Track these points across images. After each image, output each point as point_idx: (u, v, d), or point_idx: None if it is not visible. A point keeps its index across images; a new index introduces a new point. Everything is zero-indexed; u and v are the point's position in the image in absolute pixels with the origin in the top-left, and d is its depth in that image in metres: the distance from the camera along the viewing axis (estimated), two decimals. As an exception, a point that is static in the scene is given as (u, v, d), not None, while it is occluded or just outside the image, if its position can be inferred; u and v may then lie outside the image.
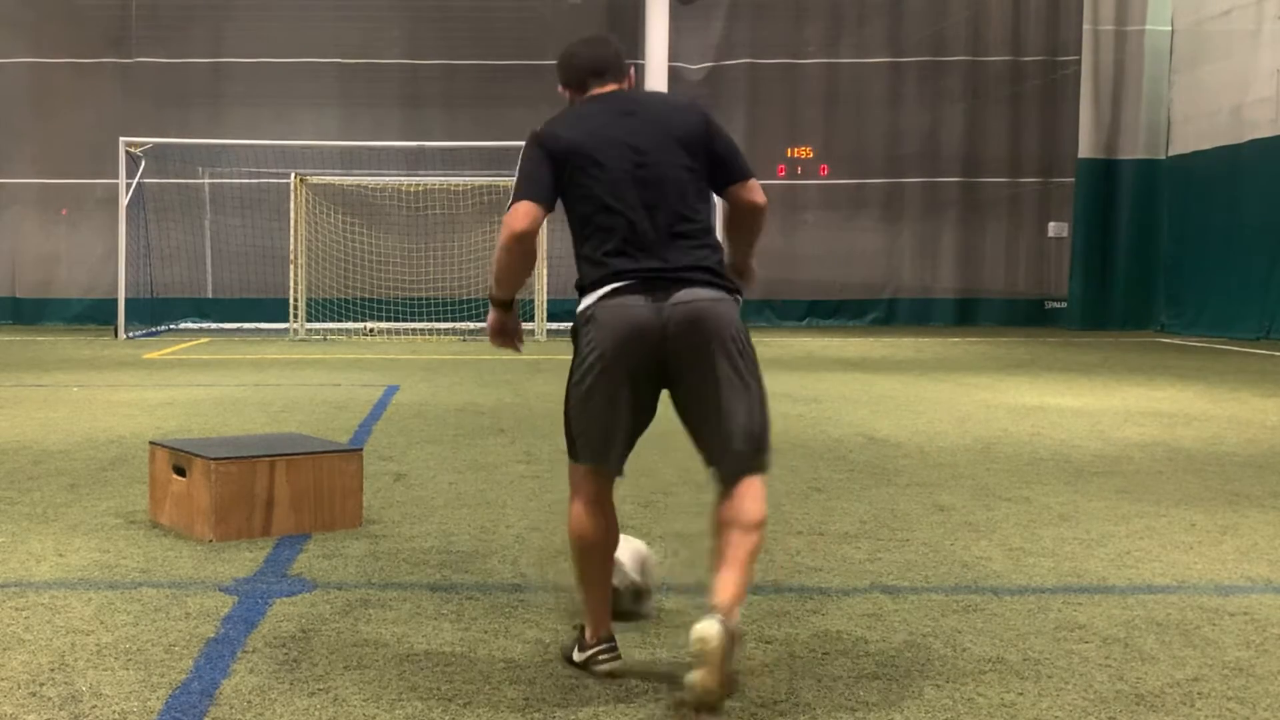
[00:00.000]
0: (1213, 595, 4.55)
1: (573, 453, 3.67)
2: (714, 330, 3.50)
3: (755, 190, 3.71)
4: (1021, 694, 3.50)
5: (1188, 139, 22.75)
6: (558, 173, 3.60)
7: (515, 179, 3.65)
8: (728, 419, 3.52)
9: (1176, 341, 20.14)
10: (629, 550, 4.07)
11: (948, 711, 3.36)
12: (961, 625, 4.14)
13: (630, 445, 3.64)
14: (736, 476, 3.55)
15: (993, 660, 3.79)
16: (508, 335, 3.83)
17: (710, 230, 3.63)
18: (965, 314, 25.05)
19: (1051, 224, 25.25)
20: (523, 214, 3.57)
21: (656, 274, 3.50)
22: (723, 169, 3.68)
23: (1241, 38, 20.99)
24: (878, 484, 6.75)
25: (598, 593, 3.68)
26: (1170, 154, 23.37)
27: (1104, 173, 23.76)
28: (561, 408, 3.68)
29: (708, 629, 3.21)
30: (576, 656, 3.67)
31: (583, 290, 3.59)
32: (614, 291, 3.50)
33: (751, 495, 3.53)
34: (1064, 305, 24.57)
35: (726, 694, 3.26)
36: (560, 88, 3.81)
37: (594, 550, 3.66)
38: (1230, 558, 5.14)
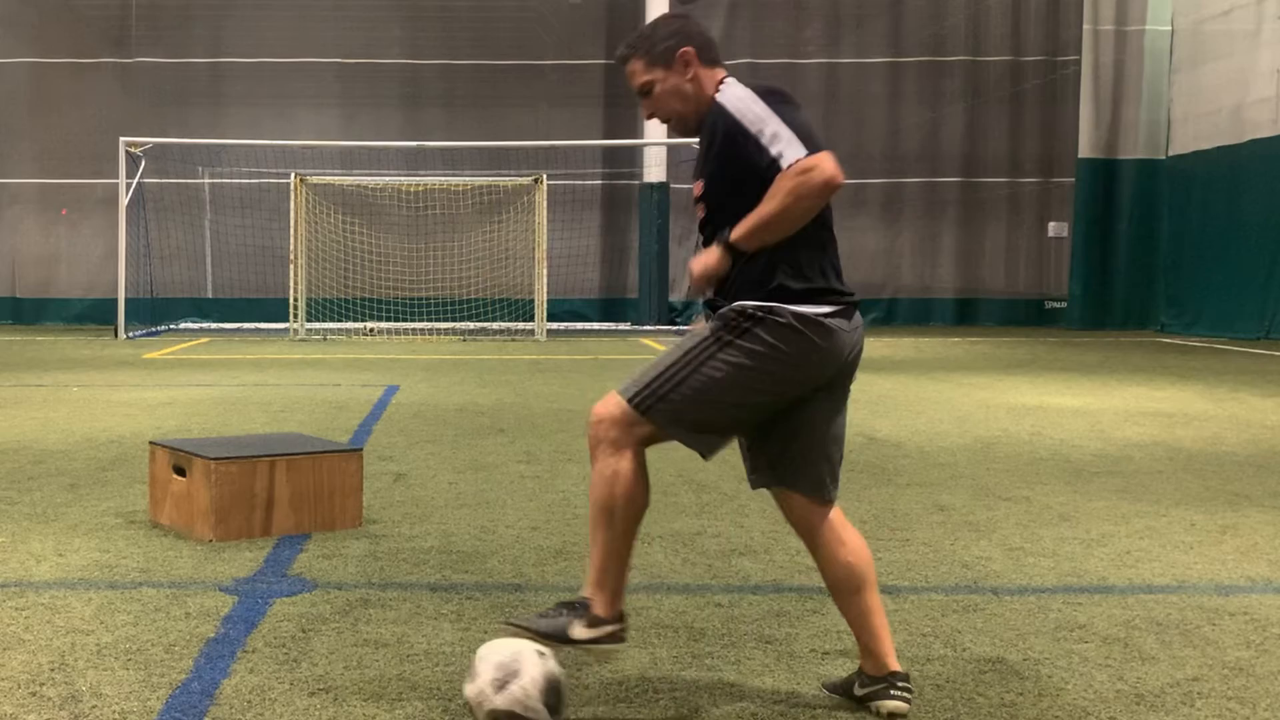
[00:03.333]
0: (1213, 595, 4.55)
1: (659, 413, 3.27)
2: (859, 359, 3.45)
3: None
4: (1021, 694, 3.50)
5: (1188, 139, 22.75)
6: None
7: (783, 127, 3.23)
8: (837, 439, 3.40)
9: (1176, 341, 20.14)
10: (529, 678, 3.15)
11: (948, 711, 3.36)
12: (961, 625, 4.14)
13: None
14: (828, 501, 3.37)
15: (993, 660, 3.78)
16: (715, 283, 3.33)
17: None
18: (965, 314, 25.06)
19: (1051, 224, 25.25)
20: (831, 161, 3.17)
21: (848, 295, 3.36)
22: None
23: (1241, 38, 20.99)
24: (878, 484, 6.75)
25: (626, 561, 3.36)
26: (1170, 154, 23.37)
27: (1104, 173, 23.76)
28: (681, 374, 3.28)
29: (903, 709, 3.28)
30: (579, 633, 3.28)
31: (798, 293, 3.27)
32: (836, 313, 3.30)
33: (852, 529, 3.40)
34: (1064, 305, 24.58)
35: None
36: (684, 49, 3.40)
37: (640, 512, 3.34)
38: (1230, 558, 5.14)
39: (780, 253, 3.25)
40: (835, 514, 3.39)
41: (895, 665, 3.33)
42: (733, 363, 3.25)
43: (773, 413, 3.33)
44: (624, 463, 3.29)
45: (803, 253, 3.27)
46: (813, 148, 3.18)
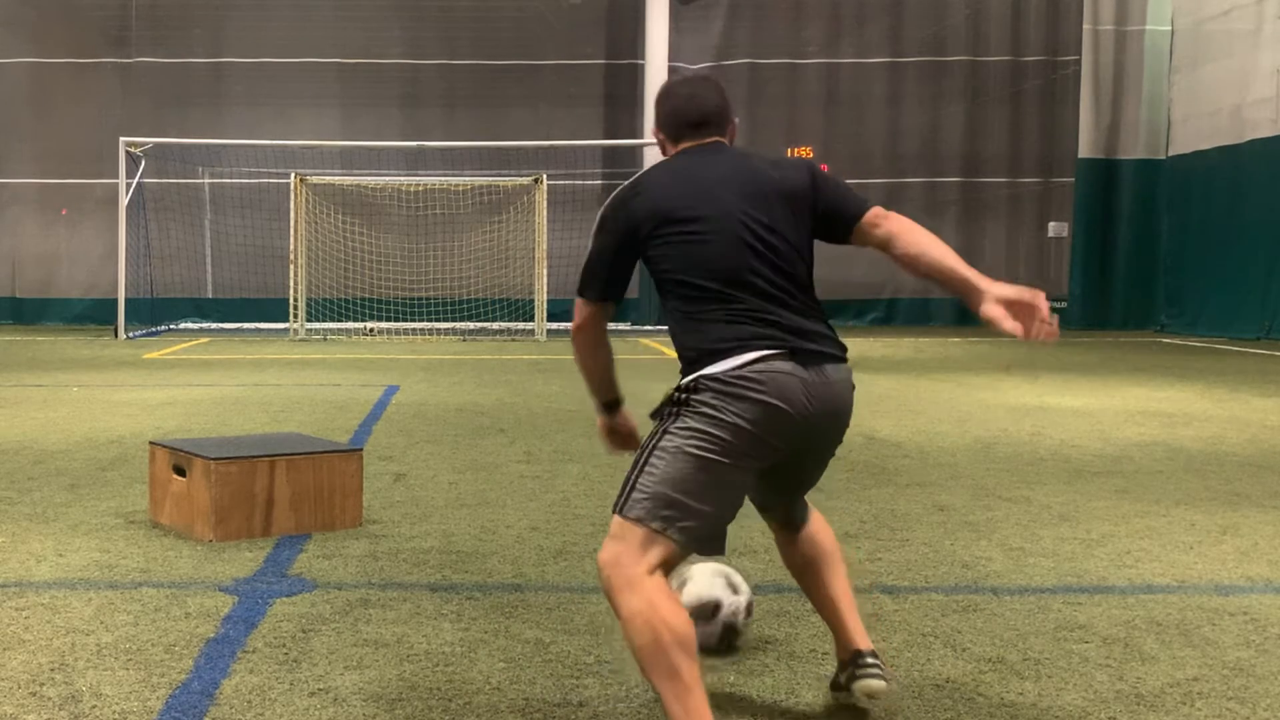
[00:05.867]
0: (1213, 595, 4.54)
1: (656, 522, 2.96)
2: (845, 421, 3.20)
3: (883, 215, 3.26)
4: (1021, 694, 3.50)
5: (1188, 139, 22.76)
6: (635, 248, 3.19)
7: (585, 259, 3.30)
8: (813, 481, 3.39)
9: (1176, 341, 20.14)
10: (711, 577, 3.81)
11: (948, 711, 3.36)
12: (961, 625, 4.14)
13: (727, 525, 3.14)
14: (807, 519, 3.46)
15: (993, 660, 3.78)
16: (620, 437, 3.46)
17: (817, 301, 3.23)
18: (965, 314, 24.89)
19: (1051, 224, 25.25)
20: (579, 311, 3.30)
21: (795, 340, 3.06)
22: (837, 218, 3.25)
23: (1241, 38, 20.99)
24: (878, 484, 6.74)
25: (699, 697, 2.87)
26: (1170, 154, 23.38)
27: (1104, 173, 23.77)
28: (641, 459, 3.06)
29: (874, 686, 3.23)
30: None
31: (697, 359, 3.08)
32: (760, 359, 3.01)
33: (822, 523, 3.46)
34: (1064, 305, 24.57)
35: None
36: (655, 129, 3.41)
37: (688, 642, 2.88)
38: (1230, 558, 5.14)
39: (676, 324, 3.17)
40: (810, 520, 3.45)
41: (861, 644, 3.31)
42: (681, 441, 3.00)
43: (757, 474, 3.13)
44: (645, 593, 2.90)
45: (695, 311, 3.12)
46: (578, 288, 3.30)
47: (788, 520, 3.43)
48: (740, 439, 2.98)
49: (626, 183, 3.31)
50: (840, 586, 3.39)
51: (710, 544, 3.10)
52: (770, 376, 3.01)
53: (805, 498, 3.45)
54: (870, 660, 3.26)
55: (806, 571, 3.43)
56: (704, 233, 3.13)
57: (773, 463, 3.10)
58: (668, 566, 2.99)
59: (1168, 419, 9.70)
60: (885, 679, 3.25)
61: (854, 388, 3.20)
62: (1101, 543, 5.38)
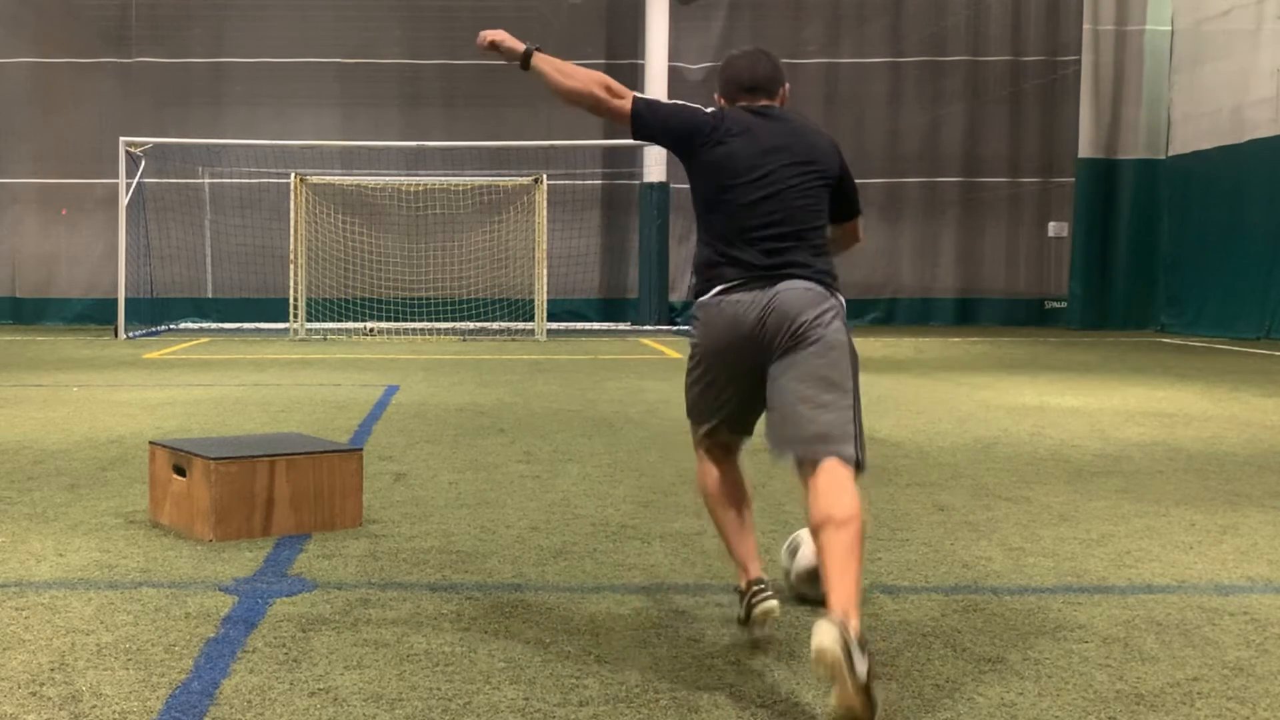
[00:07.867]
0: (1213, 595, 4.55)
1: (699, 420, 4.00)
2: (798, 320, 3.66)
3: (859, 228, 4.20)
4: (1021, 694, 3.50)
5: (1188, 139, 22.75)
6: (678, 152, 3.88)
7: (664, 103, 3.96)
8: (805, 403, 3.66)
9: (1176, 341, 20.14)
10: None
11: (948, 711, 3.36)
12: (961, 625, 4.14)
13: (745, 417, 3.95)
14: (812, 461, 3.63)
15: (993, 660, 3.78)
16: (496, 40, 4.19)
17: (825, 250, 3.87)
18: (965, 314, 25.05)
19: (1051, 224, 25.24)
20: (623, 105, 3.87)
21: (759, 272, 3.72)
22: (843, 205, 4.02)
23: (1241, 38, 20.99)
24: (878, 484, 6.74)
25: (735, 540, 4.00)
26: (1170, 154, 23.37)
27: (1104, 173, 23.75)
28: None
29: (821, 638, 3.08)
30: (740, 613, 3.96)
31: (696, 283, 3.88)
32: (723, 290, 3.75)
33: (835, 487, 3.59)
34: (1064, 305, 24.57)
35: (871, 708, 3.04)
36: (717, 95, 3.99)
37: (720, 501, 4.01)
38: (1230, 558, 5.14)
39: (698, 239, 3.91)
40: (823, 473, 3.66)
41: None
42: (687, 377, 4.00)
43: (739, 388, 3.87)
44: (699, 464, 4.10)
45: (705, 238, 3.86)
46: (638, 95, 3.95)
47: (794, 458, 3.72)
48: (709, 358, 3.86)
49: (719, 118, 3.85)
50: (832, 554, 3.46)
51: (739, 427, 3.99)
52: (719, 304, 3.75)
53: (836, 468, 3.69)
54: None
55: (815, 536, 3.59)
56: (730, 170, 3.77)
57: (747, 368, 3.78)
58: (719, 445, 4.03)
59: (1168, 419, 9.70)
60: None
61: (823, 296, 3.72)
62: (1101, 543, 5.38)
